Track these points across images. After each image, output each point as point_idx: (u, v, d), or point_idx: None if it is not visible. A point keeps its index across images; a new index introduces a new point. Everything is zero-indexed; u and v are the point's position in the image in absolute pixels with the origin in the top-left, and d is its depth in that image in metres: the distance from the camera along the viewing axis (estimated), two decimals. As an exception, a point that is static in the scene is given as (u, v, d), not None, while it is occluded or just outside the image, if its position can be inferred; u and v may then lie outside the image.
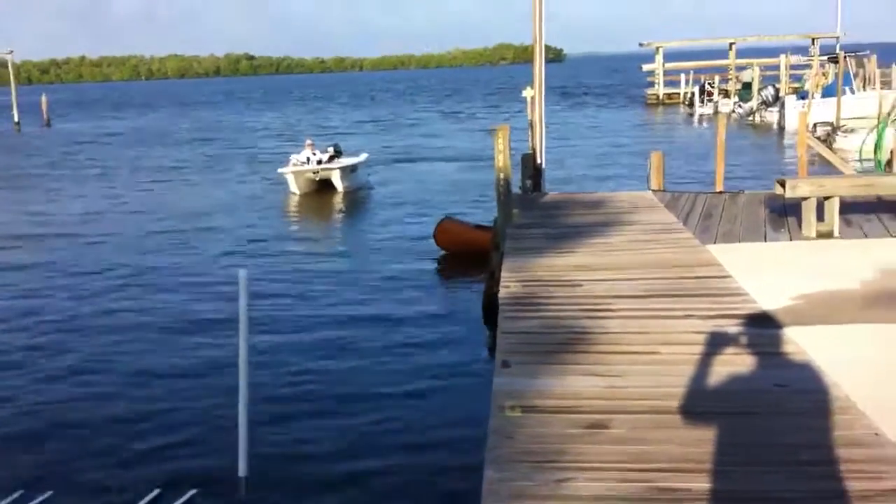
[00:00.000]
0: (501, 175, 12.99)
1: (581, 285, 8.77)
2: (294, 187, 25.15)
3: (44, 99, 70.14)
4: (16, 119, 65.26)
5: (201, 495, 7.49)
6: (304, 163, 25.38)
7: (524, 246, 10.83)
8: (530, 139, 16.62)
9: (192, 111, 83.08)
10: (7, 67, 72.12)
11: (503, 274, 9.42)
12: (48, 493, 7.52)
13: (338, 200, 24.67)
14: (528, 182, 15.65)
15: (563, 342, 6.89)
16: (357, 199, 24.94)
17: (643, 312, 7.67)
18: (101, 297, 14.61)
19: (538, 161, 15.93)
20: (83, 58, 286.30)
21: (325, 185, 25.40)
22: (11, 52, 72.34)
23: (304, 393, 10.06)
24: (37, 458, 8.56)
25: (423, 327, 12.45)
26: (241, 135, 51.42)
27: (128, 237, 19.96)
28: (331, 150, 26.17)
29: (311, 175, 25.18)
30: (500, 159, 13.06)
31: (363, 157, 27.85)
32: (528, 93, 18.25)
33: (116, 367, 11.14)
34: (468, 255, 15.94)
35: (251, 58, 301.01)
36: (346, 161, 26.21)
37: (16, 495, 7.48)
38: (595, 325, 7.31)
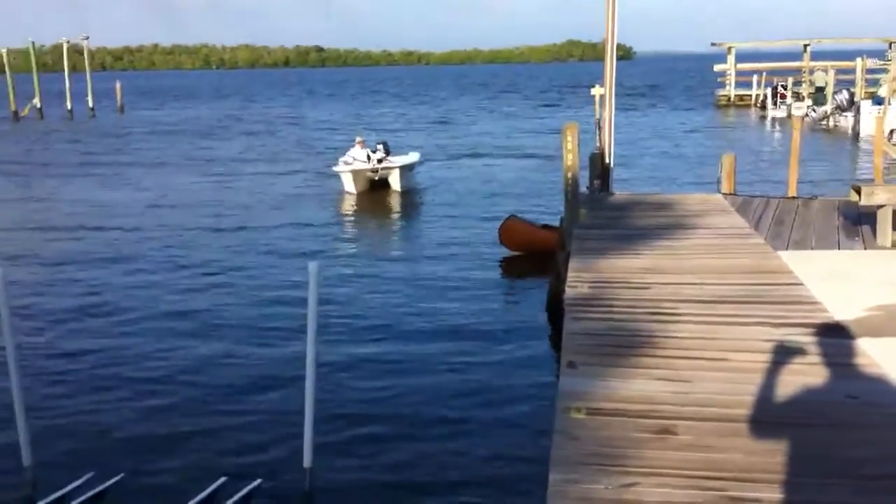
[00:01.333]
0: (569, 174, 12.84)
1: (649, 288, 8.70)
2: (350, 186, 24.75)
3: (118, 86, 71.58)
4: (90, 105, 66.63)
5: (266, 485, 7.60)
6: (360, 161, 24.93)
7: (591, 247, 10.76)
8: (598, 138, 16.45)
9: (258, 102, 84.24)
10: (82, 54, 73.63)
11: (570, 274, 9.38)
12: (118, 476, 7.68)
13: (395, 200, 24.35)
14: (596, 182, 15.41)
15: (630, 345, 6.86)
16: (414, 199, 24.65)
17: (712, 318, 7.59)
18: (162, 291, 14.73)
19: (606, 160, 15.70)
20: (156, 46, 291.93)
21: (379, 184, 25.06)
22: (87, 38, 73.98)
23: (370, 389, 10.12)
24: (107, 444, 8.74)
25: (488, 327, 12.42)
26: (298, 128, 51.72)
27: (188, 233, 19.93)
28: (381, 148, 25.58)
29: (370, 174, 24.83)
30: (569, 158, 12.92)
31: (416, 155, 27.48)
32: (596, 91, 18.11)
33: (185, 360, 11.28)
34: (533, 256, 15.90)
35: (320, 50, 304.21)
36: (404, 160, 25.90)
37: (87, 477, 7.65)
38: (662, 328, 7.25)
